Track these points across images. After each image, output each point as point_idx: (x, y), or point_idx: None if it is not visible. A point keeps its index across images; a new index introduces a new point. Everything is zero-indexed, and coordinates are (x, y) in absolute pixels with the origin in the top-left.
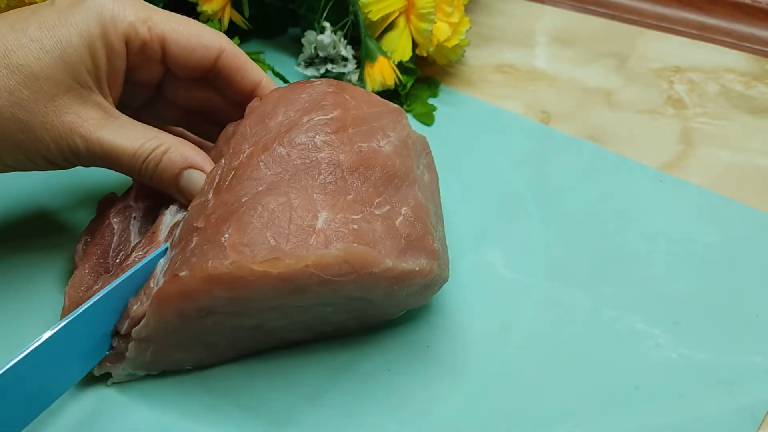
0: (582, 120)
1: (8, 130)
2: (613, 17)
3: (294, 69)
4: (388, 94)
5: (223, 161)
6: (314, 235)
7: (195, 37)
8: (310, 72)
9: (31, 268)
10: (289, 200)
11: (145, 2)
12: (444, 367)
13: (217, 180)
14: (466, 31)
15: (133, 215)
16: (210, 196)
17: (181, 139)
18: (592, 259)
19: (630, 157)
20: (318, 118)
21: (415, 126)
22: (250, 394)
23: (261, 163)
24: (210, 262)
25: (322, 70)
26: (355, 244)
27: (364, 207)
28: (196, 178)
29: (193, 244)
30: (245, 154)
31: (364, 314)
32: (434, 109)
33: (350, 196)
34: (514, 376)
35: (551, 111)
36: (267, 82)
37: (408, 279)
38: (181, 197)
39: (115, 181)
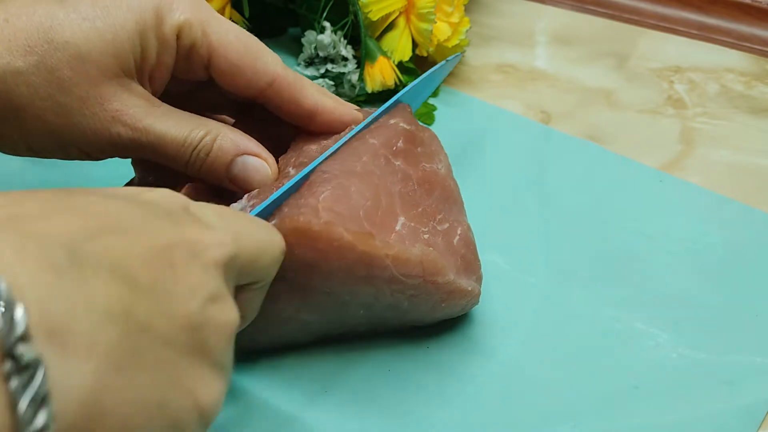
0: (582, 120)
1: (43, 113)
2: (613, 17)
3: (294, 69)
4: (388, 94)
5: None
6: (394, 234)
7: (247, 58)
8: (310, 72)
9: None
10: (378, 194)
11: (207, 5)
12: (444, 368)
13: (294, 159)
14: (466, 31)
15: None
16: (293, 171)
17: (229, 126)
18: (592, 259)
19: (630, 157)
20: (401, 125)
21: None
22: (250, 393)
23: (355, 148)
24: (302, 216)
25: (322, 70)
26: (431, 249)
27: (429, 221)
28: (252, 164)
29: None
30: (327, 142)
31: (384, 321)
32: (434, 109)
33: (420, 209)
34: (514, 377)
35: (551, 111)
36: (325, 109)
37: (458, 297)
38: (233, 186)
39: (125, 177)
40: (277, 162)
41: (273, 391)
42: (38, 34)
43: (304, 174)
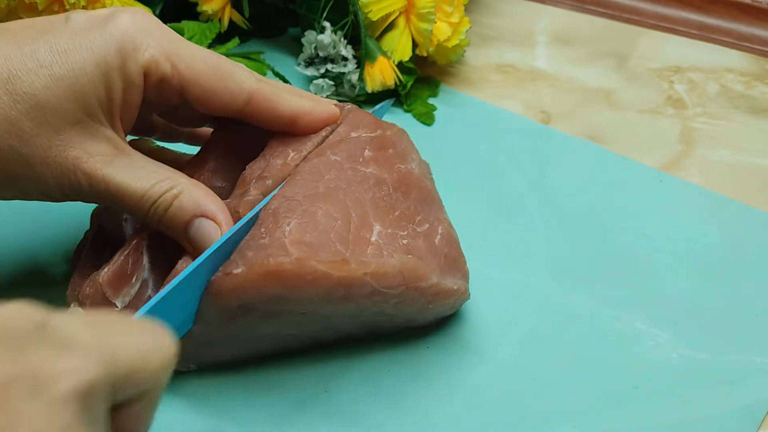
0: (582, 120)
1: (4, 164)
2: (613, 17)
3: (294, 69)
4: (388, 94)
5: (265, 159)
6: (370, 246)
7: (220, 81)
8: (310, 72)
9: (29, 284)
10: (347, 209)
11: (170, 31)
12: (444, 368)
13: (259, 172)
14: (466, 31)
15: (124, 217)
16: (252, 187)
17: (196, 182)
18: (592, 259)
19: (630, 157)
20: (365, 135)
21: (415, 126)
22: (249, 395)
23: (316, 167)
24: (271, 258)
25: (322, 70)
26: (410, 256)
27: (408, 224)
28: (207, 229)
29: (246, 235)
30: (293, 156)
31: (375, 326)
32: (434, 109)
33: (397, 213)
34: (514, 377)
35: (551, 111)
36: (304, 112)
37: (444, 298)
38: (190, 247)
39: None
40: (245, 169)
41: (273, 391)
42: None
43: (254, 212)
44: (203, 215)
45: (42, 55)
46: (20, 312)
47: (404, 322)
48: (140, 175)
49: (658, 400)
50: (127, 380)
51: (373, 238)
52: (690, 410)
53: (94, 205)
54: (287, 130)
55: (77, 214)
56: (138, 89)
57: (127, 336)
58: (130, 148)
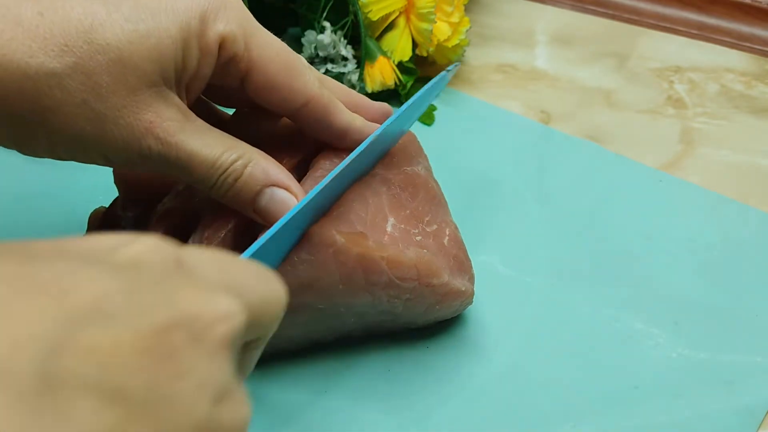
0: (582, 120)
1: (74, 118)
2: (613, 17)
3: None
4: (388, 93)
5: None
6: (386, 236)
7: (287, 77)
8: None
9: None
10: (365, 194)
11: (252, 16)
12: (444, 368)
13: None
14: (466, 31)
15: (122, 224)
16: None
17: (263, 153)
18: (591, 259)
19: (630, 157)
20: None
21: (416, 126)
22: (249, 395)
23: (327, 172)
24: None
25: (322, 70)
26: (425, 251)
27: (418, 223)
28: (280, 198)
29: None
30: (287, 160)
31: (377, 326)
32: (434, 109)
33: (407, 211)
34: (514, 377)
35: (551, 111)
36: (355, 129)
37: (452, 298)
38: (258, 218)
39: (107, 194)
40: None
41: (272, 391)
42: (77, 33)
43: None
44: (275, 184)
45: (127, 9)
46: (156, 248)
47: (406, 324)
48: (210, 142)
49: (658, 400)
50: (252, 326)
51: (388, 229)
52: (690, 410)
53: (93, 207)
54: (333, 143)
55: (76, 216)
56: (212, 60)
57: (252, 280)
58: (194, 115)
